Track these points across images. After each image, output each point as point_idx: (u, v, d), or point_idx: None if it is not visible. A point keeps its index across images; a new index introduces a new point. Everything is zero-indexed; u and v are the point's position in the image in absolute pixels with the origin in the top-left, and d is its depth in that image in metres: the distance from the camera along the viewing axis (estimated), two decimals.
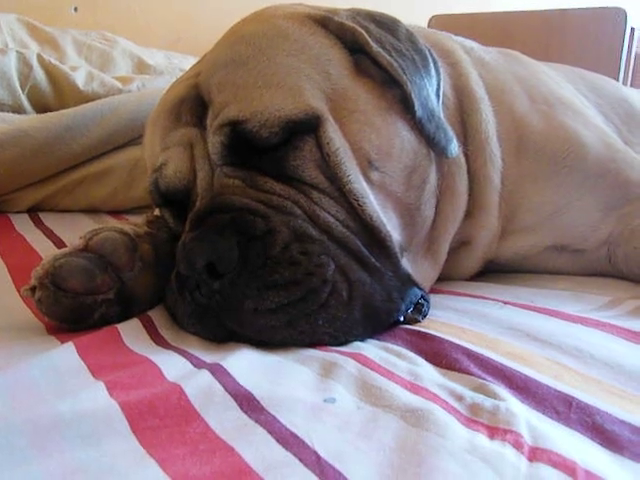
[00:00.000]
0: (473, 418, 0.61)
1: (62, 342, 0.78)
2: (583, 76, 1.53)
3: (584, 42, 2.90)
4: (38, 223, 1.48)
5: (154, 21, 2.76)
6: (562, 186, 1.16)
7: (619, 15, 2.83)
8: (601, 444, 0.59)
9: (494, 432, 0.58)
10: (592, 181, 1.16)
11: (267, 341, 0.78)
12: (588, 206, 1.17)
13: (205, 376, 0.66)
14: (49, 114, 1.59)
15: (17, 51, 1.74)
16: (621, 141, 1.28)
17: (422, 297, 0.92)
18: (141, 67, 2.16)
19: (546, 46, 2.94)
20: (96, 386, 0.63)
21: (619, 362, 0.75)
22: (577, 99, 1.31)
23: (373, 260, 0.85)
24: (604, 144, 1.20)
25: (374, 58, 0.93)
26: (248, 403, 0.61)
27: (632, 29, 2.88)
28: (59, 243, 1.28)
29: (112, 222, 1.49)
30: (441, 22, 3.26)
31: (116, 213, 1.63)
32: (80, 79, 1.74)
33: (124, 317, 0.86)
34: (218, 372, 0.67)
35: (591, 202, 1.17)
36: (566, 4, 3.13)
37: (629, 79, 2.96)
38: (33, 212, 1.60)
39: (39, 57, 1.73)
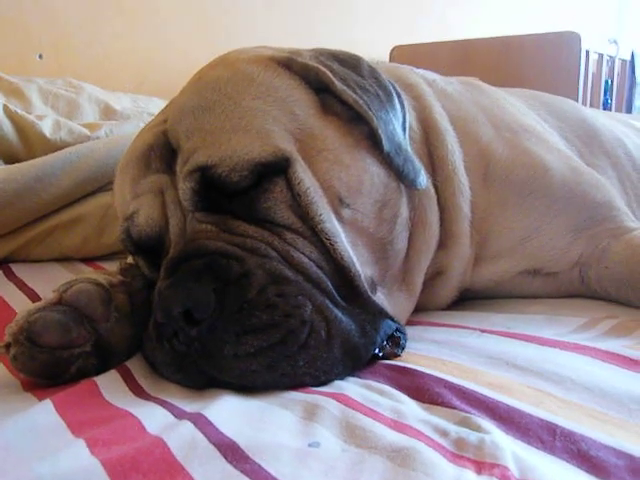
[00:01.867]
0: (459, 453, 0.60)
1: (39, 399, 0.77)
2: (543, 100, 1.56)
3: (542, 66, 2.98)
4: (10, 275, 1.46)
5: (118, 65, 2.77)
6: (530, 211, 1.18)
7: (574, 39, 2.91)
8: (588, 471, 0.59)
9: (481, 467, 0.58)
10: (559, 204, 1.18)
11: (249, 386, 0.78)
12: (557, 229, 1.18)
13: (187, 427, 0.65)
14: (17, 165, 1.57)
15: None
16: (584, 163, 1.31)
17: (397, 330, 0.91)
18: (108, 112, 2.15)
19: (505, 71, 3.02)
20: (76, 444, 0.62)
21: (599, 385, 0.76)
22: (539, 125, 1.33)
23: (341, 301, 0.85)
24: (568, 167, 1.22)
25: (339, 96, 0.95)
26: (232, 453, 0.60)
27: (587, 52, 2.96)
28: (32, 295, 1.27)
29: (86, 271, 1.48)
30: (403, 52, 3.32)
31: (89, 260, 1.62)
32: (47, 128, 1.73)
33: (102, 369, 0.85)
34: (200, 422, 0.66)
35: (560, 225, 1.18)
36: (522, 30, 3.21)
37: (588, 100, 3.03)
38: (4, 263, 1.57)
39: (5, 108, 1.72)
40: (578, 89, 2.94)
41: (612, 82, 3.45)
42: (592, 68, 3.11)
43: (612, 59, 3.40)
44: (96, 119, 2.04)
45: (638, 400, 0.71)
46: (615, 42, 3.41)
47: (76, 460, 0.59)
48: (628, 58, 3.55)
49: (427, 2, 4.02)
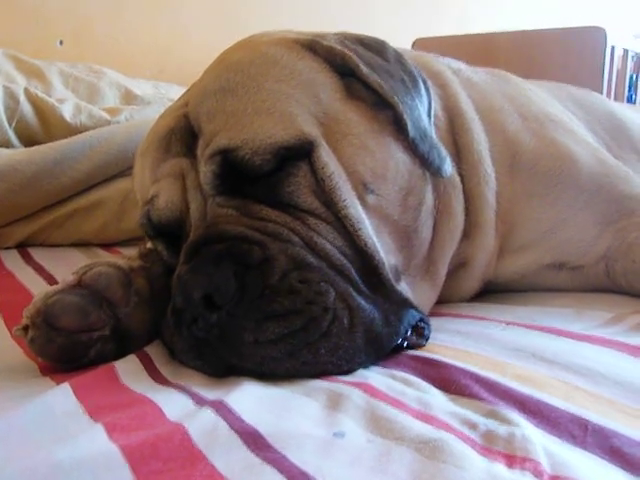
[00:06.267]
0: (489, 447, 0.59)
1: (57, 383, 0.76)
2: (570, 92, 1.53)
3: (566, 61, 2.93)
4: (28, 259, 1.46)
5: (138, 53, 2.77)
6: (557, 203, 1.15)
7: (599, 34, 2.86)
8: (622, 468, 0.56)
9: (512, 461, 0.56)
10: (586, 197, 1.16)
11: (269, 373, 0.76)
12: (584, 222, 1.16)
13: (208, 414, 0.63)
14: (37, 147, 1.57)
15: (4, 85, 1.72)
16: (611, 156, 1.28)
17: (421, 320, 0.90)
18: (128, 97, 2.15)
19: (528, 66, 2.96)
20: (95, 429, 0.61)
21: (630, 380, 0.74)
22: (566, 116, 1.31)
23: (365, 289, 0.83)
24: (596, 159, 1.20)
25: (364, 80, 0.93)
26: (255, 441, 0.58)
27: (612, 47, 2.91)
28: (50, 279, 1.26)
29: (105, 256, 1.47)
30: (424, 45, 3.27)
31: (107, 246, 1.61)
32: (68, 112, 1.72)
33: (120, 354, 0.84)
34: (221, 409, 0.65)
35: (587, 218, 1.16)
36: (546, 25, 3.16)
37: (612, 95, 2.98)
38: (22, 247, 1.57)
39: (26, 91, 1.72)
40: (602, 85, 2.89)
41: (637, 78, 3.39)
42: (617, 64, 3.05)
43: (638, 55, 3.34)
44: (117, 104, 2.04)
45: None
46: None
47: (95, 445, 0.58)
48: None
49: None
